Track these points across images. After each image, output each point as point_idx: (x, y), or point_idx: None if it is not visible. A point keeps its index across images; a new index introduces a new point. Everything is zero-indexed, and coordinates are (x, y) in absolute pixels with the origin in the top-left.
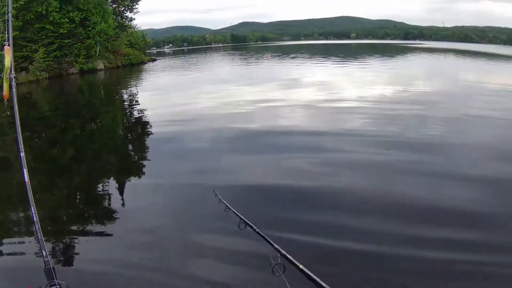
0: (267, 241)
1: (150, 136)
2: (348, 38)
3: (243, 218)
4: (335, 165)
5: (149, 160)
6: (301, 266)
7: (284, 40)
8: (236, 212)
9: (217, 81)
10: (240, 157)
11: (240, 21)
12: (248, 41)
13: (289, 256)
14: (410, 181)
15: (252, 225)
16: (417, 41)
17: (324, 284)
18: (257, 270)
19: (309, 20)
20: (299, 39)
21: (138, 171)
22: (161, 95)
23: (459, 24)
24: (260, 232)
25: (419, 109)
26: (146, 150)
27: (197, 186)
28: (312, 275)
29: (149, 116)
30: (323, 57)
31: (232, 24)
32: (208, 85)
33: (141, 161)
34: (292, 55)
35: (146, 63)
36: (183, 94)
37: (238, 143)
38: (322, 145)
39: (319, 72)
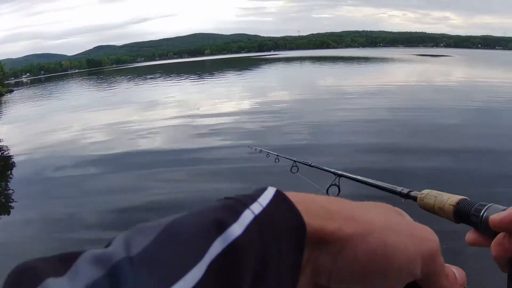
0: None
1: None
2: (202, 54)
3: None
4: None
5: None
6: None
7: (138, 62)
8: None
9: (74, 108)
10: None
11: (96, 45)
12: (104, 65)
13: None
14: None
15: None
16: (272, 52)
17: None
18: None
19: (163, 39)
20: (154, 59)
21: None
22: (17, 127)
23: (315, 32)
24: None
25: (274, 119)
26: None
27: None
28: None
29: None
30: (179, 76)
31: (87, 49)
32: (66, 113)
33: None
34: (150, 76)
35: (3, 94)
36: (41, 125)
37: (101, 166)
38: (181, 159)
39: (177, 91)
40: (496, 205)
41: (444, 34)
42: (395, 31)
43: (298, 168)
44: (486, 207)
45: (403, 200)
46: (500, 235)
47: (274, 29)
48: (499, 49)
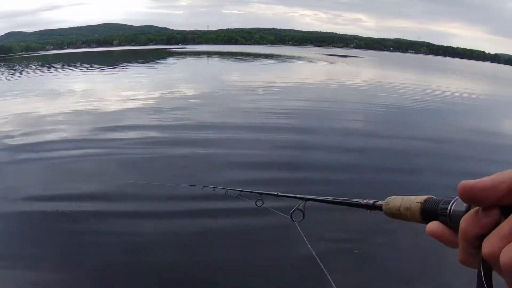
0: None
1: None
2: (111, 45)
3: None
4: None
5: None
6: None
7: (47, 50)
8: None
9: None
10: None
11: (7, 31)
12: (13, 52)
13: None
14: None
15: None
16: (180, 46)
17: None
18: None
19: (72, 28)
20: (63, 48)
21: None
22: None
23: (225, 27)
24: None
25: (180, 114)
26: None
27: None
28: None
29: None
30: (87, 65)
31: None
32: None
33: None
34: (57, 65)
35: None
36: None
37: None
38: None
39: (83, 81)
40: None
41: (355, 35)
42: (306, 30)
43: (263, 202)
44: (455, 199)
45: (368, 212)
46: (471, 211)
47: (184, 22)
48: (412, 52)
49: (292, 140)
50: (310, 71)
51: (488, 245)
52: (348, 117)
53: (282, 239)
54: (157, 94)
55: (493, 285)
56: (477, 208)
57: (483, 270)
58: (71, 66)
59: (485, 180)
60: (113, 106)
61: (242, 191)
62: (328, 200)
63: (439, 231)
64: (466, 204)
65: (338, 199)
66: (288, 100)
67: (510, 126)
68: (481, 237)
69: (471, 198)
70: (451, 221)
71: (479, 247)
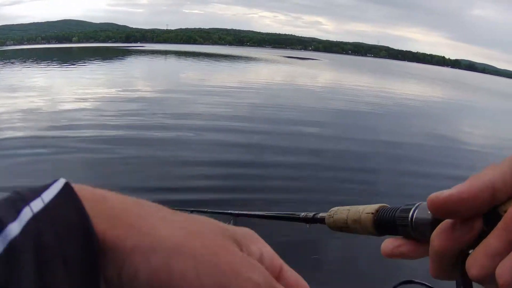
0: None
1: None
2: (70, 41)
3: None
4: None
5: None
6: None
7: (7, 45)
8: None
9: None
10: None
11: None
12: None
13: None
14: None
15: None
16: (138, 44)
17: None
18: None
19: (32, 23)
20: (23, 43)
21: None
22: None
23: (184, 27)
24: None
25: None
26: None
27: None
28: None
29: None
30: (46, 62)
31: None
32: None
33: None
34: (15, 61)
35: None
36: None
37: None
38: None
39: (40, 77)
40: (425, 203)
41: (314, 38)
42: (264, 32)
43: None
44: (416, 205)
45: (307, 225)
46: (445, 223)
47: (144, 21)
48: (370, 56)
49: (234, 150)
50: (266, 73)
51: (476, 266)
52: (296, 121)
53: None
54: (108, 93)
55: None
56: (451, 220)
57: (462, 284)
58: (30, 62)
59: (461, 189)
60: (65, 104)
61: (174, 208)
62: (260, 215)
63: (401, 249)
64: None
65: (272, 214)
66: (235, 107)
67: (464, 130)
68: (461, 251)
69: (447, 213)
70: (414, 231)
71: (457, 261)
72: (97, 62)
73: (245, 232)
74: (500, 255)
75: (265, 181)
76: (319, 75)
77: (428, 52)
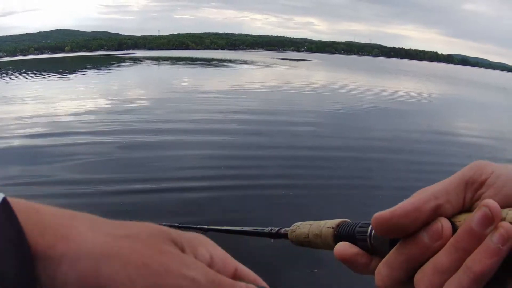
0: None
1: None
2: (63, 51)
3: None
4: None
5: None
6: None
7: (0, 57)
8: None
9: None
10: None
11: None
12: None
13: None
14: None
15: None
16: (131, 51)
17: None
18: None
19: (25, 34)
20: (16, 55)
21: None
22: None
23: (176, 32)
24: None
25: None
26: None
27: None
28: None
29: None
30: (39, 72)
31: None
32: None
33: None
34: (7, 72)
35: None
36: None
37: None
38: None
39: (37, 88)
40: None
41: (306, 39)
42: (256, 34)
43: None
44: None
45: (272, 240)
46: (398, 245)
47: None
48: (363, 55)
49: (209, 163)
50: (258, 75)
51: (425, 282)
52: (268, 130)
53: None
54: (103, 101)
55: None
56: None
57: None
58: (23, 73)
59: (403, 205)
60: (59, 113)
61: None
62: (228, 230)
63: (354, 257)
64: None
65: (240, 229)
66: (228, 112)
67: (444, 128)
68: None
69: (392, 230)
70: (372, 246)
71: (408, 276)
72: (90, 71)
73: (193, 236)
74: (449, 273)
75: (240, 195)
76: (311, 75)
77: (421, 49)
